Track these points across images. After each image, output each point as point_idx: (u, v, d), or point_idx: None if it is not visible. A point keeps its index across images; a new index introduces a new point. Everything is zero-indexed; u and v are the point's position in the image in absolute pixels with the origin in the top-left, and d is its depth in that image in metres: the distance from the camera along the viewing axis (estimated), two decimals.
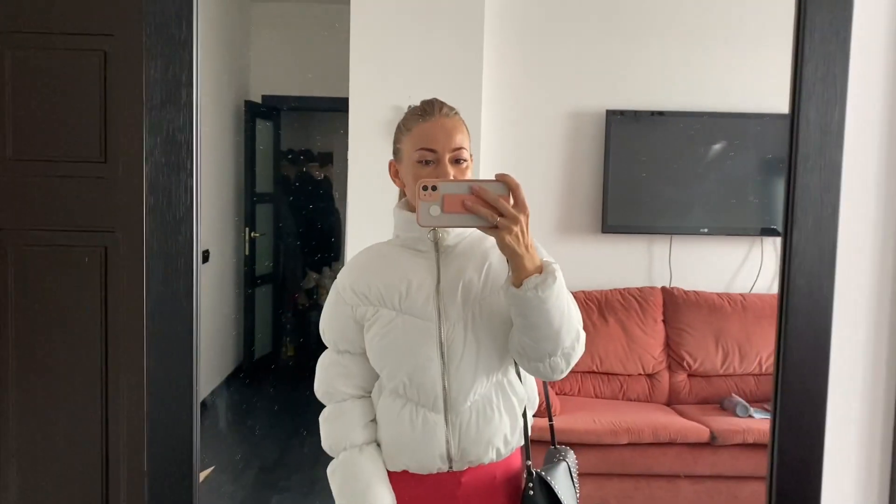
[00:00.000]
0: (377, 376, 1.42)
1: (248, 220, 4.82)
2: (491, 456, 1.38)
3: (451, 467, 1.37)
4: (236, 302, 4.80)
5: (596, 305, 3.60)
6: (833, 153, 0.86)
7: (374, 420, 1.42)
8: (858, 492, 1.00)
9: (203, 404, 4.03)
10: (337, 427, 1.41)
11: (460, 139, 1.35)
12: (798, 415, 0.91)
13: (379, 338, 1.36)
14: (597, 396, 3.51)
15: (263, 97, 5.02)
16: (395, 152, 1.43)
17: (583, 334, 1.34)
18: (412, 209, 1.38)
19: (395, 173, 1.44)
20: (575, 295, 3.65)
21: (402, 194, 1.48)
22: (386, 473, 1.40)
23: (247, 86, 4.98)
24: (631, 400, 3.53)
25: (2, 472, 1.07)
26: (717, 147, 3.66)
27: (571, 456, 1.54)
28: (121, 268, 1.03)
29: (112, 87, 1.04)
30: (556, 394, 3.50)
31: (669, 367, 3.55)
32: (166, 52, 0.97)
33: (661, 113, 3.68)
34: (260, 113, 4.95)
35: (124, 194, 1.03)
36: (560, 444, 1.56)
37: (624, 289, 3.69)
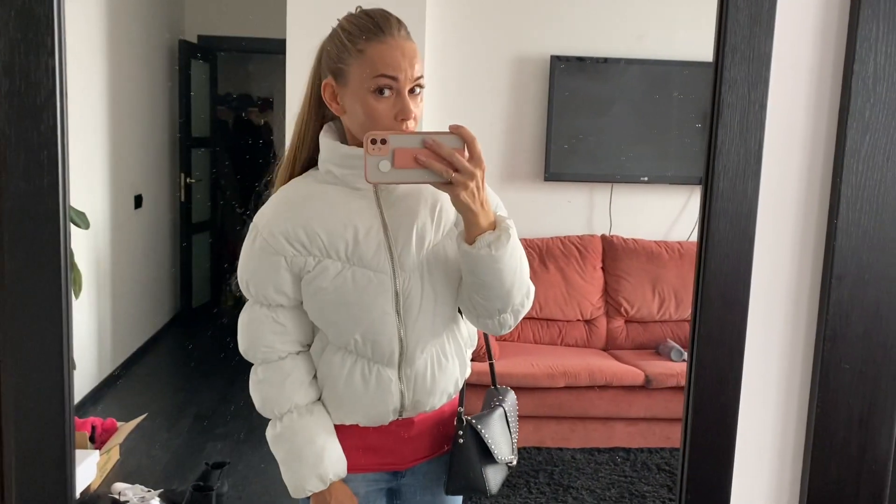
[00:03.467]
0: (315, 328, 1.29)
1: (184, 165, 4.65)
2: (443, 401, 1.33)
3: (401, 415, 1.30)
4: (172, 249, 4.66)
5: (537, 253, 3.61)
6: (763, 44, 0.79)
7: (315, 376, 1.30)
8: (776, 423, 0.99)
9: (139, 353, 3.92)
10: (277, 389, 1.27)
11: (419, 67, 1.18)
12: (717, 325, 0.88)
13: (325, 293, 1.21)
14: (536, 342, 3.54)
15: (199, 37, 4.82)
16: (337, 73, 1.21)
17: (532, 289, 1.26)
18: (356, 141, 1.22)
19: (332, 97, 1.22)
20: None
21: (333, 117, 1.28)
22: (335, 432, 1.30)
23: (181, 25, 4.76)
24: (569, 345, 3.56)
25: None
26: (658, 96, 3.66)
27: (511, 397, 1.49)
28: None
29: None
30: (496, 339, 3.51)
31: (607, 313, 3.59)
32: None
33: (605, 60, 3.65)
34: (195, 54, 4.74)
35: None
36: (500, 385, 1.51)
37: (565, 236, 3.70)
